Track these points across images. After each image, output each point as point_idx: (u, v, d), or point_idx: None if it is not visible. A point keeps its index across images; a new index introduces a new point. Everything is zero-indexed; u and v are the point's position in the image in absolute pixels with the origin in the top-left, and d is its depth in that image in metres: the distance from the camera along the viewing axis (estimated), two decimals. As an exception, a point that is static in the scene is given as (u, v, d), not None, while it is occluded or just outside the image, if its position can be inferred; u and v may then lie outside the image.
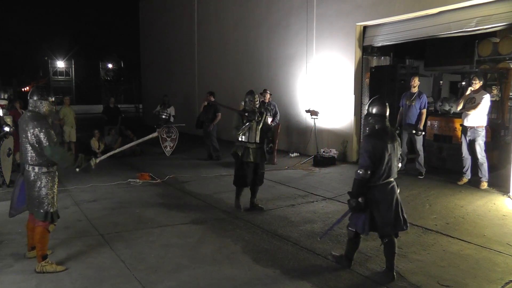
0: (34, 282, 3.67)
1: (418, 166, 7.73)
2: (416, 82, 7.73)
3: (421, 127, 7.62)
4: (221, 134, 11.47)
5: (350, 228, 3.91)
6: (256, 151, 5.69)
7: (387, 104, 3.85)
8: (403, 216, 3.77)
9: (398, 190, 3.85)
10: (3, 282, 3.68)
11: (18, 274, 3.83)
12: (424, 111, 7.64)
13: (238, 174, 5.80)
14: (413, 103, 7.66)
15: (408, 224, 3.84)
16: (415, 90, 7.73)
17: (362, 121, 9.74)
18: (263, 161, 5.83)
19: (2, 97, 8.25)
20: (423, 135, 7.75)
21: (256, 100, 5.80)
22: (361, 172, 3.65)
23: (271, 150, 5.80)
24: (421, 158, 7.73)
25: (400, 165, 3.97)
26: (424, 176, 7.60)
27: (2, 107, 8.03)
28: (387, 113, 3.83)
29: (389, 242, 3.76)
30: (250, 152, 5.64)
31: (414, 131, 7.59)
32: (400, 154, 7.89)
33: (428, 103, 7.81)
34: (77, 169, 3.97)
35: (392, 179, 3.80)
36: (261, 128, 5.76)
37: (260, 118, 5.76)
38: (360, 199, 3.68)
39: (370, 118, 3.85)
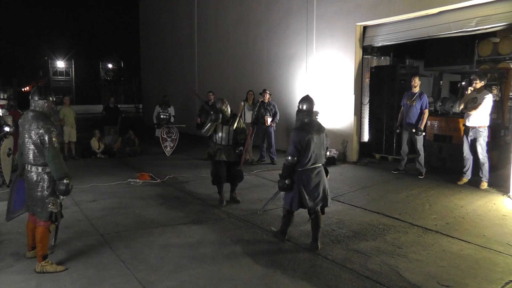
0: (34, 282, 3.67)
1: (418, 166, 7.73)
2: (416, 82, 7.72)
3: (422, 127, 7.61)
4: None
5: (283, 206, 4.59)
6: (229, 151, 6.01)
7: (314, 101, 4.59)
8: (325, 196, 4.46)
9: (329, 176, 4.58)
10: (3, 282, 3.68)
11: (18, 274, 3.83)
12: (426, 111, 7.62)
13: (213, 173, 6.14)
14: (414, 103, 7.65)
15: (330, 202, 4.55)
16: (416, 90, 7.73)
17: (361, 120, 9.78)
18: (236, 160, 6.08)
19: (2, 97, 8.20)
20: (423, 135, 7.74)
21: (226, 106, 6.09)
22: (289, 158, 4.33)
23: (240, 153, 5.99)
24: (422, 158, 7.72)
25: (334, 153, 4.72)
26: (424, 176, 7.60)
27: (2, 107, 8.03)
28: (314, 109, 4.56)
29: (315, 218, 4.46)
30: (222, 152, 5.99)
31: (414, 131, 7.59)
32: (401, 154, 7.98)
33: (428, 103, 7.81)
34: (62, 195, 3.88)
35: (319, 164, 4.43)
36: (234, 130, 6.06)
37: (231, 120, 6.07)
38: (287, 181, 4.36)
39: (300, 113, 4.52)
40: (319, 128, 4.48)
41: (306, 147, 4.28)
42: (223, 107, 6.05)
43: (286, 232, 4.68)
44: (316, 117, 4.62)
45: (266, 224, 5.21)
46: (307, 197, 4.34)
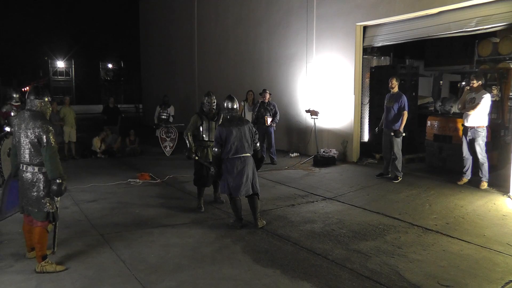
0: (34, 282, 3.67)
1: (394, 169, 7.40)
2: (394, 83, 7.41)
3: (401, 129, 7.28)
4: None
5: (222, 192, 5.18)
6: (211, 149, 5.75)
7: (235, 99, 5.18)
8: (252, 183, 5.00)
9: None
10: (3, 282, 3.68)
11: (18, 274, 3.83)
12: (405, 112, 7.24)
13: (198, 174, 5.97)
14: (392, 105, 7.37)
15: (257, 190, 5.04)
16: (394, 91, 7.43)
17: (361, 120, 9.79)
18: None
19: (16, 100, 8.29)
20: (404, 136, 7.40)
21: (213, 101, 5.91)
22: (215, 150, 4.97)
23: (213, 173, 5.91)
24: (399, 162, 7.36)
25: (257, 142, 5.15)
26: (399, 180, 7.32)
27: (18, 107, 8.07)
28: (235, 106, 5.13)
29: (251, 201, 5.06)
30: (208, 152, 5.84)
31: (393, 134, 7.30)
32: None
33: (428, 103, 7.75)
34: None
35: (243, 155, 4.94)
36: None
37: (216, 117, 5.97)
38: (212, 168, 5.15)
39: (224, 110, 5.16)
40: (240, 122, 5.03)
41: (226, 140, 4.88)
42: (213, 103, 5.87)
43: (241, 218, 5.09)
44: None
45: (267, 224, 5.20)
46: (232, 184, 4.90)
